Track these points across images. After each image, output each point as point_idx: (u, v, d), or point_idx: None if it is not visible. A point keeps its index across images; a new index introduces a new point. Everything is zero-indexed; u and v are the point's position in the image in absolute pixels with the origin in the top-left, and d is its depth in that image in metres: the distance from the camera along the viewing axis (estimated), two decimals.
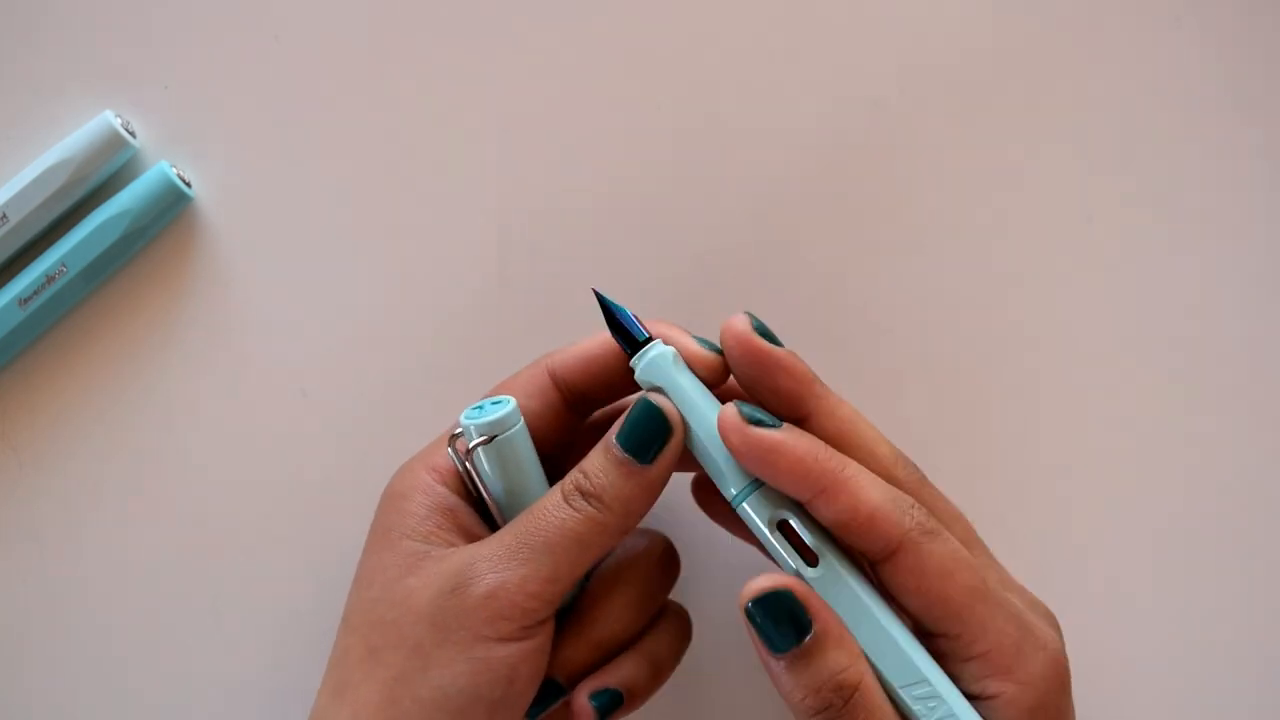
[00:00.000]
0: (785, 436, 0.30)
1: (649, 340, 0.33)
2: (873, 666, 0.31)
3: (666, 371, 0.32)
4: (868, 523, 0.30)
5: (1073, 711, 0.31)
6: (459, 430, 0.33)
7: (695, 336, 0.33)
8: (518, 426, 0.33)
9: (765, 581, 0.30)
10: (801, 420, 0.32)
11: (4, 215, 0.38)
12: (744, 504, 0.32)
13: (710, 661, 0.39)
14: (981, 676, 0.30)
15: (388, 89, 0.41)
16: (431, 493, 0.33)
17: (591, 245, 0.41)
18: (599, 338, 0.34)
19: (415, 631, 0.31)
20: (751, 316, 0.32)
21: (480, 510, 0.34)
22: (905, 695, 0.31)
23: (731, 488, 0.32)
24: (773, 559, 0.32)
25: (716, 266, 0.41)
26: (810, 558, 0.31)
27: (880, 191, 0.41)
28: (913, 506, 0.31)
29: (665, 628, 0.35)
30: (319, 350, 0.40)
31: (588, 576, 0.35)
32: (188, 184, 0.40)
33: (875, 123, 0.41)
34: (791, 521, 0.31)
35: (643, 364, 0.32)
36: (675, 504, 0.37)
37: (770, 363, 0.31)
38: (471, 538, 0.33)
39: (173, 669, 0.40)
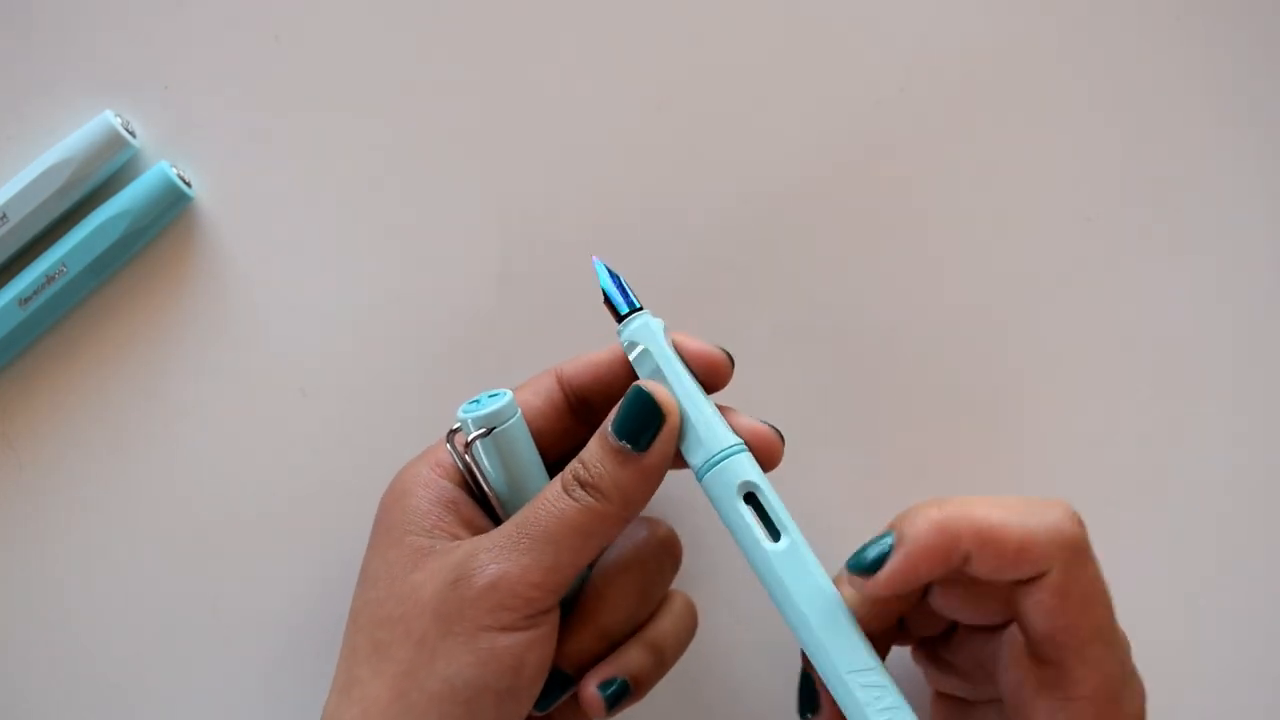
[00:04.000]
0: (903, 555, 0.29)
1: (640, 309, 0.33)
2: (821, 650, 0.31)
3: (654, 335, 0.33)
4: (1017, 560, 0.29)
5: None
6: (457, 425, 0.33)
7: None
8: (515, 418, 0.33)
9: None
10: None
11: (4, 215, 0.38)
12: (706, 478, 0.32)
13: (715, 652, 0.39)
14: (1075, 716, 0.29)
15: (388, 88, 0.41)
16: (434, 487, 0.33)
17: (593, 245, 0.41)
18: (610, 349, 0.35)
19: (420, 625, 0.31)
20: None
21: (482, 504, 0.34)
22: (851, 681, 0.31)
23: (697, 459, 0.32)
24: (734, 534, 0.32)
25: (718, 266, 0.41)
26: (774, 533, 0.31)
27: (880, 190, 0.41)
28: (1059, 519, 0.29)
29: (669, 616, 0.35)
30: (319, 350, 0.40)
31: (590, 566, 0.35)
32: (188, 184, 0.40)
33: (876, 122, 0.41)
34: (758, 495, 0.31)
35: (632, 327, 0.33)
36: (678, 494, 0.37)
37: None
38: (476, 530, 0.33)
39: (173, 669, 0.40)
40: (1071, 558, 0.29)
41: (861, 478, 0.41)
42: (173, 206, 0.39)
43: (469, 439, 0.33)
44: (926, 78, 0.41)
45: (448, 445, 0.34)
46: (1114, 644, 0.30)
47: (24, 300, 0.39)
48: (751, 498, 0.32)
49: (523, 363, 0.37)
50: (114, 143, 0.39)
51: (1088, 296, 0.41)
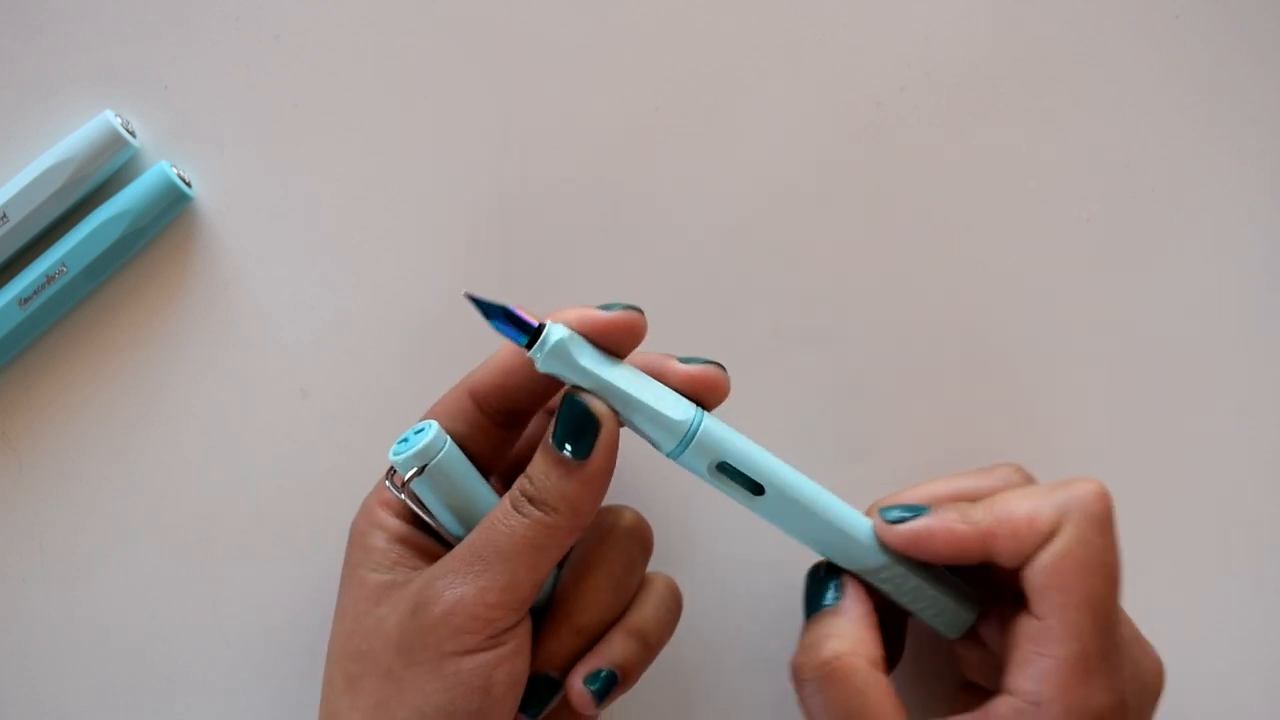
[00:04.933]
0: (929, 523, 0.32)
1: (540, 327, 0.31)
2: (840, 563, 0.33)
3: (567, 359, 0.31)
4: (1029, 530, 0.31)
5: None
6: (393, 466, 0.33)
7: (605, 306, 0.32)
8: (445, 450, 0.32)
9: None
10: None
11: (4, 215, 0.38)
12: (680, 458, 0.32)
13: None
14: (1036, 676, 0.30)
15: (388, 89, 0.41)
16: (387, 526, 0.34)
17: (591, 246, 0.41)
18: (508, 347, 0.33)
19: (386, 658, 0.31)
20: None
21: (435, 536, 0.34)
22: (874, 580, 0.33)
23: (665, 447, 0.32)
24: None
25: (718, 267, 0.41)
26: (755, 488, 0.32)
27: (880, 191, 0.41)
28: (1078, 491, 0.31)
29: (649, 600, 0.34)
30: (319, 350, 0.40)
31: (560, 565, 0.35)
32: (188, 184, 0.40)
33: (877, 122, 0.41)
34: (728, 462, 0.32)
35: (542, 357, 0.31)
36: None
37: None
38: (435, 559, 0.33)
39: (172, 669, 0.40)
40: (1081, 522, 0.30)
41: (864, 478, 0.40)
42: (173, 206, 0.39)
43: (405, 480, 0.32)
44: (927, 78, 0.41)
45: (388, 485, 0.33)
46: (1103, 623, 0.30)
47: (24, 300, 0.39)
48: (724, 465, 0.32)
49: None
50: (114, 143, 0.39)
51: (1087, 297, 0.41)
